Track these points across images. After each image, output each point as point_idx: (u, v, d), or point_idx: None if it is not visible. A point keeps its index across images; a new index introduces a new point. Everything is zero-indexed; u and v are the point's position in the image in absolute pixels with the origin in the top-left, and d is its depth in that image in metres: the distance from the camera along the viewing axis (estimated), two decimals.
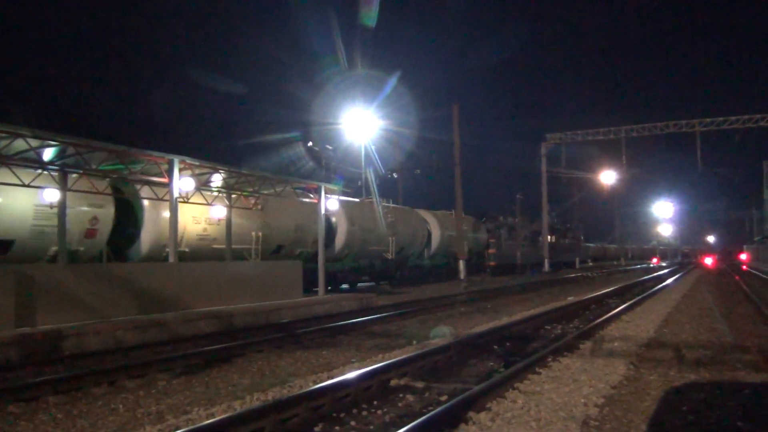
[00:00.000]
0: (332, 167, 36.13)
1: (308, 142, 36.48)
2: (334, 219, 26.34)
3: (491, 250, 43.64)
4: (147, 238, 17.93)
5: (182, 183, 15.55)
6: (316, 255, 20.82)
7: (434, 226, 35.07)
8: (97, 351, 10.74)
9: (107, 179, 16.40)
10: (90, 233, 16.35)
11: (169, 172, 14.96)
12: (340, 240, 26.63)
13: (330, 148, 36.89)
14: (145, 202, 17.60)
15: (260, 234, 20.69)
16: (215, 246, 19.45)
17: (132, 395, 7.94)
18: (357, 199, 30.21)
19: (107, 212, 16.74)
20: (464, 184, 32.42)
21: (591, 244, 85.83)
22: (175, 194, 15.15)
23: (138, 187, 17.44)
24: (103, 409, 7.26)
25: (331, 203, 20.82)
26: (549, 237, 56.64)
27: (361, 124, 37.21)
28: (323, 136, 37.03)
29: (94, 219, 16.41)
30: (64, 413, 7.12)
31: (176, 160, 14.91)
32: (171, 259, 15.16)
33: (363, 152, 37.51)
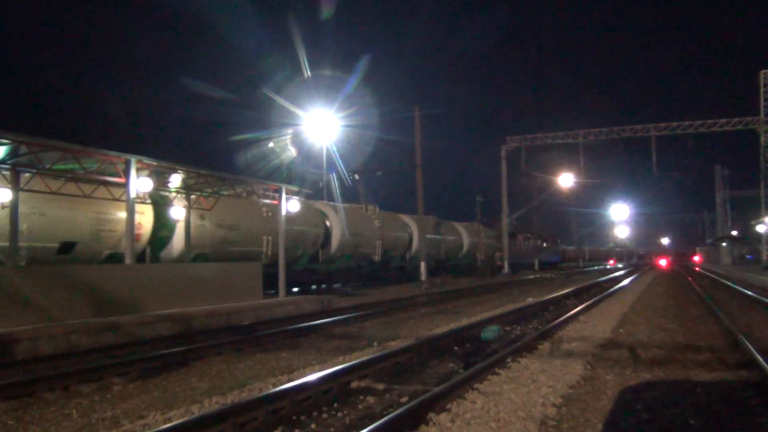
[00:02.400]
0: (293, 168, 35.98)
1: (269, 143, 36.21)
2: (410, 230, 35.54)
3: (498, 253, 51.84)
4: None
5: (140, 183, 15.27)
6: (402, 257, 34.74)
7: (465, 235, 44.55)
8: (51, 355, 10.45)
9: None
10: (315, 242, 26.60)
11: (126, 172, 14.69)
12: (414, 246, 35.27)
13: (291, 149, 36.68)
14: (327, 222, 27.11)
15: (379, 242, 30.95)
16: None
17: (86, 400, 7.76)
18: (430, 217, 38.55)
19: (321, 231, 26.96)
20: (426, 186, 32.68)
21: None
22: (132, 195, 14.88)
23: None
24: (57, 415, 7.07)
25: (292, 204, 20.70)
26: (537, 240, 66.51)
27: (322, 125, 37.06)
28: (283, 137, 36.79)
29: (317, 235, 26.47)
30: (15, 419, 6.92)
31: (133, 159, 14.64)
32: (127, 260, 14.88)
33: (324, 153, 37.39)
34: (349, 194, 39.33)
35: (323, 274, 28.49)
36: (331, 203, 30.71)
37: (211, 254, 21.11)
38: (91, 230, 17.13)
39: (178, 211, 19.55)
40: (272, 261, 22.47)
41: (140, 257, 18.74)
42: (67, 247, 16.54)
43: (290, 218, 22.72)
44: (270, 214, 23.47)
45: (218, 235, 21.42)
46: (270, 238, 23.47)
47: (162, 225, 19.83)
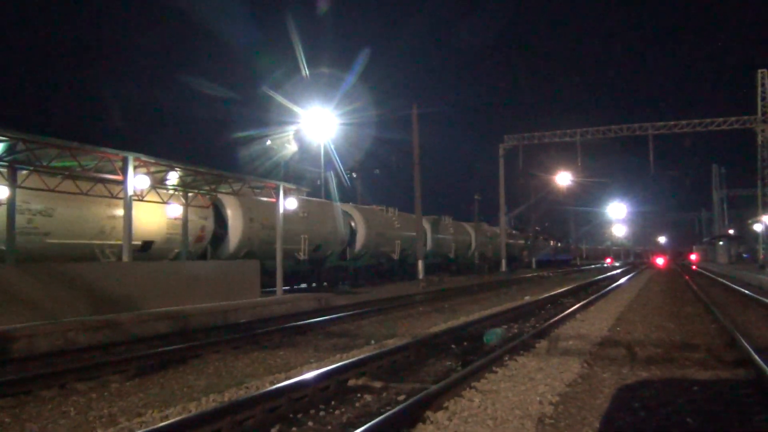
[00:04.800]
0: (291, 166, 35.97)
1: (267, 140, 36.18)
2: (470, 234, 46.40)
3: (525, 251, 61.29)
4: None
5: (137, 181, 15.26)
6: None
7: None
8: (48, 353, 10.45)
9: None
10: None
11: (124, 170, 14.67)
12: (473, 245, 47.16)
13: (288, 145, 36.65)
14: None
15: (454, 244, 39.74)
16: None
17: (83, 398, 7.75)
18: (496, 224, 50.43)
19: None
20: (424, 184, 32.85)
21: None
22: (130, 192, 14.86)
23: None
24: (54, 413, 7.07)
25: (290, 202, 20.68)
26: (551, 240, 76.66)
27: (320, 123, 37.03)
28: (281, 134, 36.77)
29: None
30: (12, 417, 6.91)
31: (131, 157, 14.62)
32: (125, 258, 14.86)
33: (322, 152, 37.39)
34: (347, 193, 39.44)
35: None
36: (427, 216, 39.04)
37: (371, 251, 31.44)
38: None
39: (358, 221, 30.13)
40: (400, 257, 34.17)
41: (343, 255, 28.82)
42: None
43: (406, 225, 35.00)
44: (399, 225, 34.62)
45: (375, 240, 31.37)
46: (399, 241, 34.32)
47: (350, 231, 29.80)
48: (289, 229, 23.58)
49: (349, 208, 31.07)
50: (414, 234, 33.37)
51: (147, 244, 19.14)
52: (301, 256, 25.97)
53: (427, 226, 38.14)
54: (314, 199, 29.29)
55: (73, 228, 16.66)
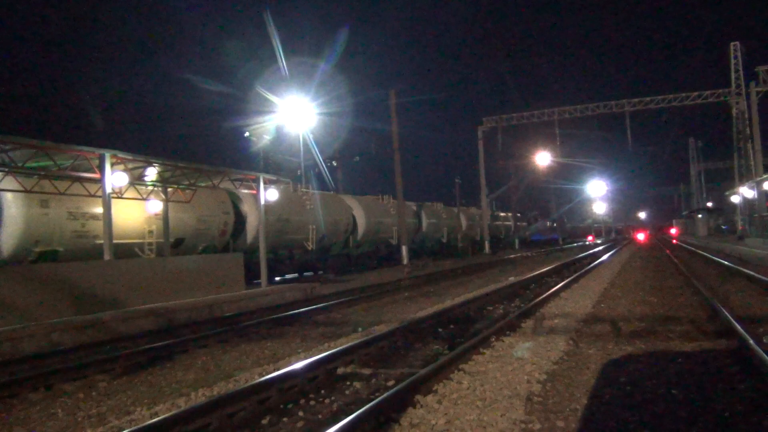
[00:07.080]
0: (270, 157, 35.79)
1: (245, 132, 35.95)
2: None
3: (528, 232, 69.21)
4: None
5: (115, 178, 15.07)
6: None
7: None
8: (33, 355, 10.34)
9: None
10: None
11: (101, 168, 14.50)
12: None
13: (267, 137, 36.45)
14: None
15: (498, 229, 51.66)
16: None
17: (71, 398, 7.71)
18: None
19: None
20: (405, 169, 33.12)
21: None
22: (108, 190, 14.70)
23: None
24: (41, 415, 7.02)
25: (270, 193, 20.58)
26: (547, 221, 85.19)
27: (298, 112, 36.82)
28: (260, 125, 36.53)
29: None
30: None
31: (107, 154, 14.46)
32: (106, 256, 14.73)
33: (301, 141, 37.22)
34: (328, 181, 39.40)
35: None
36: (466, 207, 47.69)
37: (430, 236, 39.72)
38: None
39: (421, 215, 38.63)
40: (448, 240, 43.24)
41: (413, 239, 35.10)
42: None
43: (449, 215, 44.93)
44: (445, 215, 43.49)
45: (433, 227, 41.06)
46: (446, 228, 44.02)
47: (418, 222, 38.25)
48: (387, 222, 34.36)
49: (412, 204, 37.78)
50: (451, 222, 44.79)
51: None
52: (393, 242, 34.26)
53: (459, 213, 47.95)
54: (393, 199, 35.80)
55: (297, 227, 25.59)
